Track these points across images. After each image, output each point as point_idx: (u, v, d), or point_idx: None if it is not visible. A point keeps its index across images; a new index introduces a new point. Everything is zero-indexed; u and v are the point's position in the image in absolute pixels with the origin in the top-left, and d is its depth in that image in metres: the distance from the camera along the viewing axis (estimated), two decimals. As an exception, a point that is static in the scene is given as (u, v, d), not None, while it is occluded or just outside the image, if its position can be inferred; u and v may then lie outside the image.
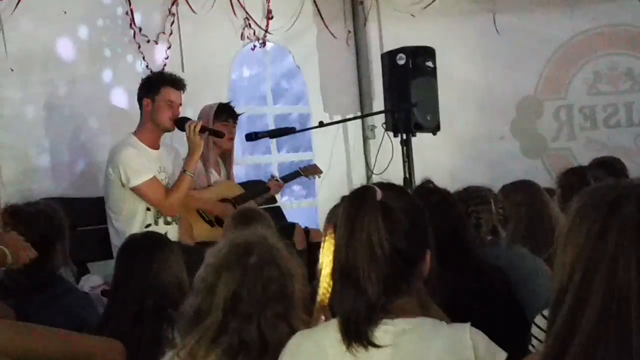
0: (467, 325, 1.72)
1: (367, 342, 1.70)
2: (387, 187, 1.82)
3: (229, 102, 4.96)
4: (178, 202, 4.24)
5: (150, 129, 4.28)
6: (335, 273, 1.78)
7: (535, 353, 1.79)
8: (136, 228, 4.13)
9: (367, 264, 1.71)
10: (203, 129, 4.21)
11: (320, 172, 5.41)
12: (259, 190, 5.01)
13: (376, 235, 1.72)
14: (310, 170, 5.35)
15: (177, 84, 4.28)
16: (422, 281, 1.79)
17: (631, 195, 1.39)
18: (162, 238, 2.88)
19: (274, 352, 1.83)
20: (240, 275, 1.87)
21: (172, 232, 4.22)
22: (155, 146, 4.30)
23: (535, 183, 3.58)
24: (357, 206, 1.76)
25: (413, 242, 1.76)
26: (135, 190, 4.17)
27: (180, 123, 4.23)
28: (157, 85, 4.26)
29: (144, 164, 4.20)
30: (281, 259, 1.93)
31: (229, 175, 4.95)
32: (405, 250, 1.74)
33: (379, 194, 1.75)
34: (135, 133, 4.29)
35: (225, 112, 4.81)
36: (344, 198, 1.84)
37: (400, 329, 1.72)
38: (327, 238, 2.49)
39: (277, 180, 4.98)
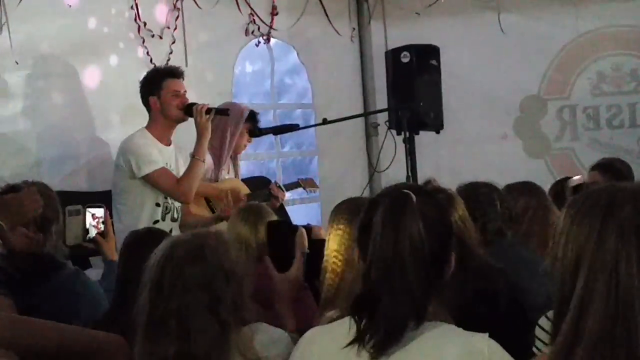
0: (485, 335, 1.70)
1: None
2: (415, 191, 1.79)
3: (257, 114, 4.95)
4: (191, 187, 4.23)
5: (162, 124, 4.30)
6: (372, 272, 1.73)
7: (540, 356, 1.78)
8: (144, 222, 4.13)
9: (412, 264, 1.69)
10: (209, 110, 4.22)
11: (317, 187, 5.40)
12: (262, 196, 4.98)
13: (418, 238, 1.70)
14: (309, 183, 5.32)
15: (176, 73, 4.32)
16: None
17: (626, 198, 1.38)
18: (163, 234, 2.89)
19: (197, 339, 1.92)
20: (162, 268, 1.98)
21: (177, 228, 4.27)
22: (165, 141, 4.31)
23: (539, 186, 3.58)
24: (398, 210, 1.73)
25: (443, 245, 1.76)
26: (146, 178, 4.17)
27: (189, 109, 4.25)
28: (158, 81, 4.29)
29: (155, 154, 4.21)
30: (214, 257, 1.99)
31: (236, 174, 4.96)
32: (437, 253, 1.74)
33: (414, 200, 1.74)
34: (147, 127, 4.31)
35: (252, 121, 4.84)
36: (377, 200, 1.80)
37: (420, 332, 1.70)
38: (331, 237, 2.47)
39: (279, 187, 4.92)
